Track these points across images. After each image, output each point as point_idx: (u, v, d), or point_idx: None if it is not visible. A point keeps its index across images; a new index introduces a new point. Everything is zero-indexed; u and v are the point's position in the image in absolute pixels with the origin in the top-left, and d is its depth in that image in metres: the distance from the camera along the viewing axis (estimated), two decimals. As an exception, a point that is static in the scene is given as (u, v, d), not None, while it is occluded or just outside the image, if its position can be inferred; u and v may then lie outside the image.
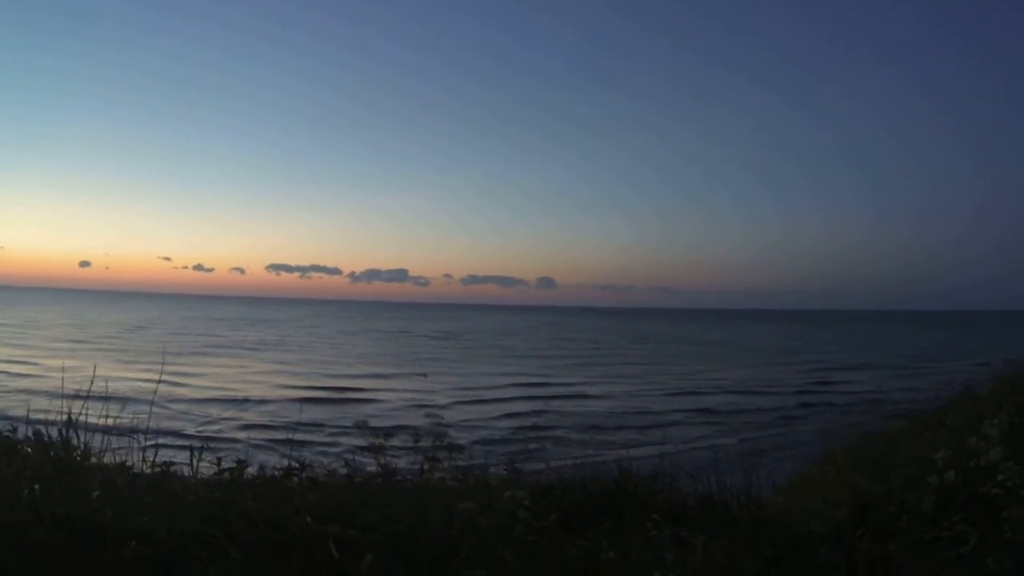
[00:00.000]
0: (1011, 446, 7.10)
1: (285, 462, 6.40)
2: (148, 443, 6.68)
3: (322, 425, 26.70)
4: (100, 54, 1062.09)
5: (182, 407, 32.10)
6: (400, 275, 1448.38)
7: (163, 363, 42.35)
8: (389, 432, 7.22)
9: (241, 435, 24.22)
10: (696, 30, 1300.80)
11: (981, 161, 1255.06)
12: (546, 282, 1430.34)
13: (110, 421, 6.72)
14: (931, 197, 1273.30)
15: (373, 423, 7.74)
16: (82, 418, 6.46)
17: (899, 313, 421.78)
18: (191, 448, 6.57)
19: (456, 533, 4.87)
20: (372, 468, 6.51)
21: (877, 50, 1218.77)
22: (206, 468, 6.30)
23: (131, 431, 6.99)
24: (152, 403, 7.11)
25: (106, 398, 6.95)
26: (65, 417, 6.35)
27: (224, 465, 6.23)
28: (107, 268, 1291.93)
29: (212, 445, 7.06)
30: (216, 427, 27.99)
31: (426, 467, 6.52)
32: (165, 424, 7.08)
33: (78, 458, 6.08)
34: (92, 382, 6.95)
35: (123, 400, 7.05)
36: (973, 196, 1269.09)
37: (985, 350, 61.18)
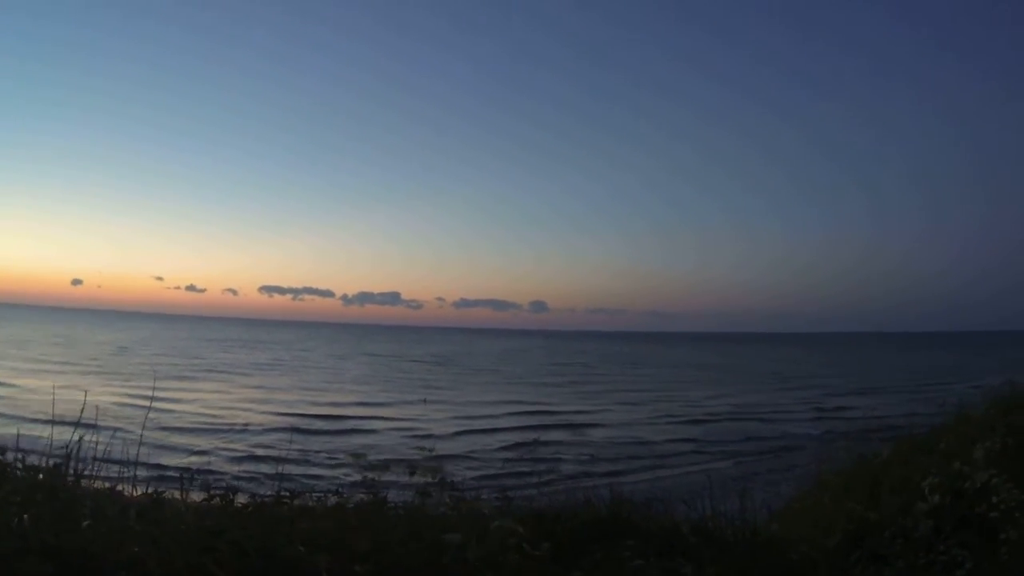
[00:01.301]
0: (1005, 468, 7.10)
1: (276, 490, 6.38)
2: (137, 471, 6.64)
3: (316, 454, 26.26)
4: (94, 65, 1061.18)
5: (169, 436, 31.31)
6: (393, 298, 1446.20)
7: (153, 387, 41.85)
8: (383, 464, 7.16)
9: (229, 468, 23.94)
10: (694, 45, 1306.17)
11: (983, 177, 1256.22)
12: (538, 306, 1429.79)
13: (99, 448, 6.66)
14: (933, 215, 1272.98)
15: (370, 455, 7.67)
16: (71, 443, 6.41)
17: (899, 335, 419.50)
18: (181, 476, 6.57)
19: (448, 562, 4.84)
20: (364, 497, 6.47)
21: (880, 64, 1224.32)
22: (196, 496, 6.28)
23: (120, 459, 6.93)
24: (142, 432, 7.07)
25: (94, 425, 6.89)
26: (53, 442, 6.30)
27: (214, 492, 6.21)
28: (99, 287, 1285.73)
29: (199, 478, 7.00)
30: (204, 459, 27.45)
31: (418, 497, 6.48)
32: (153, 455, 7.02)
33: (69, 484, 6.04)
34: (83, 407, 6.90)
35: (111, 428, 6.99)
36: (975, 214, 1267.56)
37: (984, 371, 61.01)
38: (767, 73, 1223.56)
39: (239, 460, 25.81)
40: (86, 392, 7.58)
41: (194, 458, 26.34)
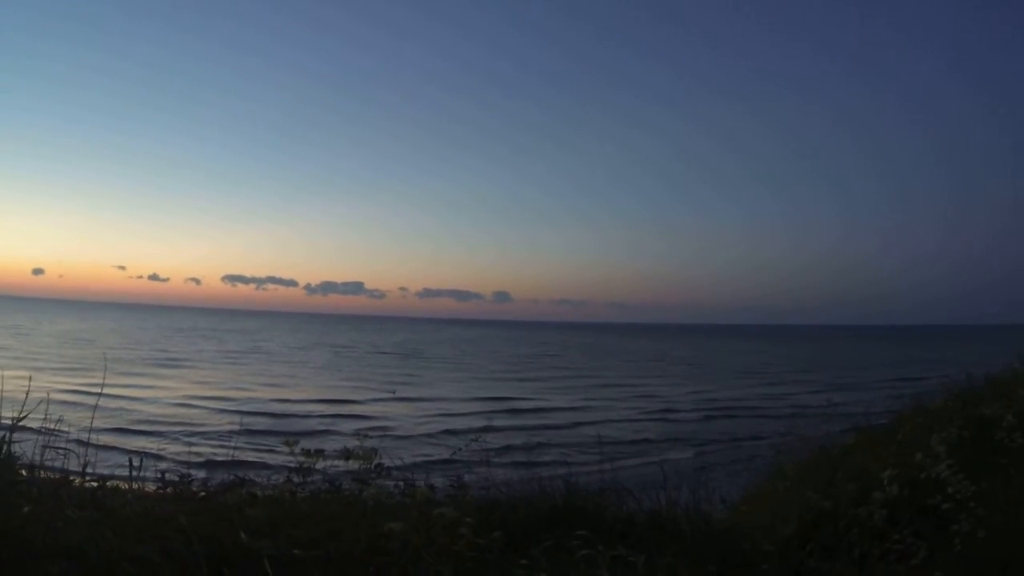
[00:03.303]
0: (960, 459, 7.14)
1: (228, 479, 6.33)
2: (89, 465, 6.52)
3: (275, 454, 25.19)
4: (53, 51, 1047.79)
5: (119, 437, 29.24)
6: (356, 288, 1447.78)
7: (103, 381, 39.96)
8: (318, 450, 7.05)
9: (184, 471, 22.59)
10: (660, 39, 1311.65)
11: (952, 174, 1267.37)
12: (501, 296, 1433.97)
13: (47, 443, 6.53)
14: (900, 211, 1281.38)
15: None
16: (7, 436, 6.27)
17: (864, 328, 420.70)
18: (130, 463, 6.50)
19: (394, 550, 4.78)
20: (313, 486, 6.41)
21: (848, 60, 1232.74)
22: (151, 487, 6.22)
23: (68, 450, 6.81)
24: (91, 423, 6.95)
25: (41, 431, 6.74)
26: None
27: (167, 482, 6.17)
28: (61, 276, 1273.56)
29: (153, 469, 6.90)
30: (156, 463, 25.88)
31: (367, 485, 6.42)
32: (101, 458, 6.82)
33: (15, 474, 5.93)
34: (25, 398, 6.78)
35: (59, 423, 6.85)
36: (943, 210, 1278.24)
37: (944, 364, 61.21)
38: (735, 68, 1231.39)
39: (197, 465, 24.92)
40: (30, 378, 7.42)
41: (146, 462, 25.12)
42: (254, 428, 34.94)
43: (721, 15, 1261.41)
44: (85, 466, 6.26)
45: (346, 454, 6.63)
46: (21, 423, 6.47)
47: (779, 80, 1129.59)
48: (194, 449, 27.95)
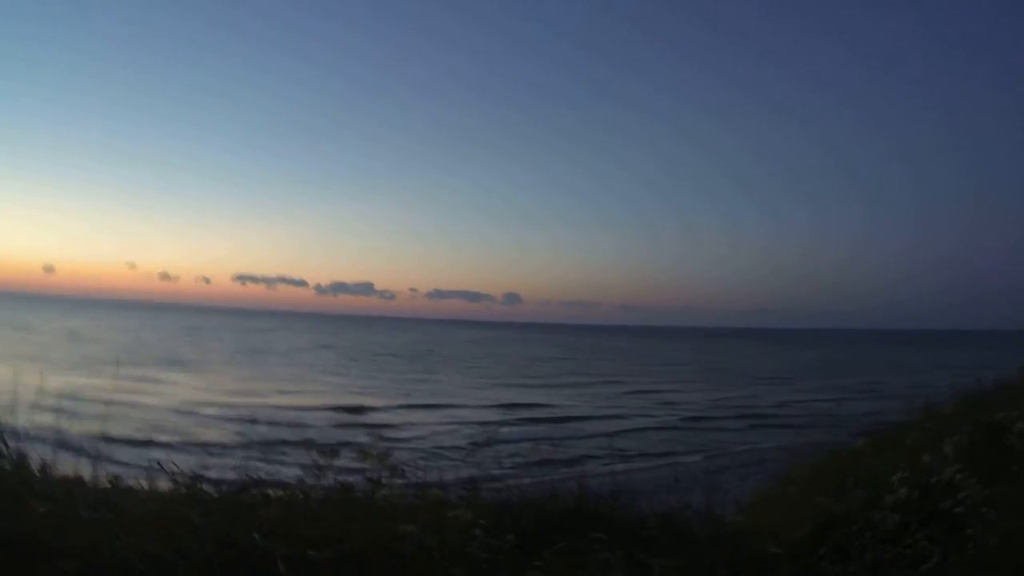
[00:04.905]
0: (971, 464, 7.12)
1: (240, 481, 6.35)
2: (96, 464, 6.54)
3: (284, 462, 24.21)
4: (64, 47, 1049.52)
5: (116, 448, 28.29)
6: (366, 288, 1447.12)
7: (114, 384, 38.78)
8: (333, 449, 7.06)
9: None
10: (681, 34, 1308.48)
11: (975, 178, 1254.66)
12: (512, 298, 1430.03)
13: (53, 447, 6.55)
14: (923, 213, 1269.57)
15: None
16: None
17: (889, 332, 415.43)
18: (148, 464, 6.53)
19: (409, 551, 4.79)
20: (327, 487, 6.42)
21: (871, 57, 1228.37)
22: (163, 486, 6.23)
23: (79, 450, 6.85)
24: (101, 437, 6.97)
25: (54, 432, 6.75)
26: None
27: (180, 483, 6.18)
28: (71, 274, 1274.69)
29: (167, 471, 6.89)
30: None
31: (371, 486, 6.43)
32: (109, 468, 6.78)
33: (35, 473, 5.97)
34: (36, 400, 6.79)
35: (61, 432, 6.85)
36: (967, 212, 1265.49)
37: (967, 370, 60.16)
38: (761, 68, 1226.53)
39: (208, 471, 24.33)
40: (40, 379, 7.43)
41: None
42: (262, 434, 33.72)
43: (749, 15, 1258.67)
44: (97, 467, 6.28)
45: (362, 455, 6.65)
46: (32, 423, 6.50)
47: (804, 79, 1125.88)
48: (206, 461, 27.18)
